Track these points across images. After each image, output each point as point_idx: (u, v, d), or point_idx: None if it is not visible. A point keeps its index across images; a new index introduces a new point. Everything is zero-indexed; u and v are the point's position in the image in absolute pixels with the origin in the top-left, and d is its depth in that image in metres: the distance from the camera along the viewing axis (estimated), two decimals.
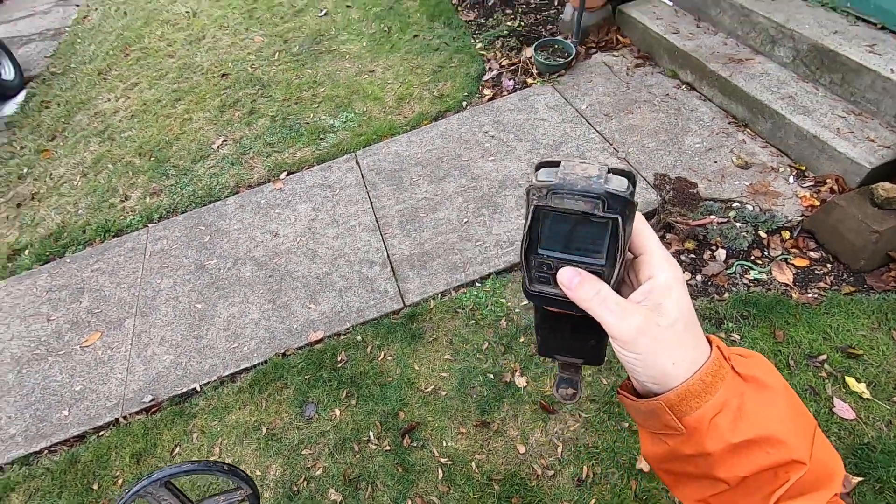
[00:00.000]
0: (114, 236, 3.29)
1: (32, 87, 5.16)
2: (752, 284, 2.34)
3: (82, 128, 4.35)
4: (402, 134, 3.47)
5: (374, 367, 2.34)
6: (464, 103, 3.59)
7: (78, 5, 6.78)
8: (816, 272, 2.34)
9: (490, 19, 4.27)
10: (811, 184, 2.61)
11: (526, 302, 2.26)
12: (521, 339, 2.32)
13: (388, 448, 2.09)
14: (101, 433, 2.35)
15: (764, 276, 2.36)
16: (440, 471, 1.99)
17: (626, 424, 2.00)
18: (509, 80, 3.66)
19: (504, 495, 1.90)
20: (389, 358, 2.37)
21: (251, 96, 4.13)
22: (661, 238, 2.57)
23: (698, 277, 2.42)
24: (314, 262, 2.83)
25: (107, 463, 2.23)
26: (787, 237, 2.47)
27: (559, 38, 3.75)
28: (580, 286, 0.40)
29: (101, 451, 2.26)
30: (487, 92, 3.64)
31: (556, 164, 0.42)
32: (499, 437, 2.05)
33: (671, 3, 3.61)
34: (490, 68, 3.81)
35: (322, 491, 2.01)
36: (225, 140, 3.78)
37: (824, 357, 2.03)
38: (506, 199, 2.89)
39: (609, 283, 0.41)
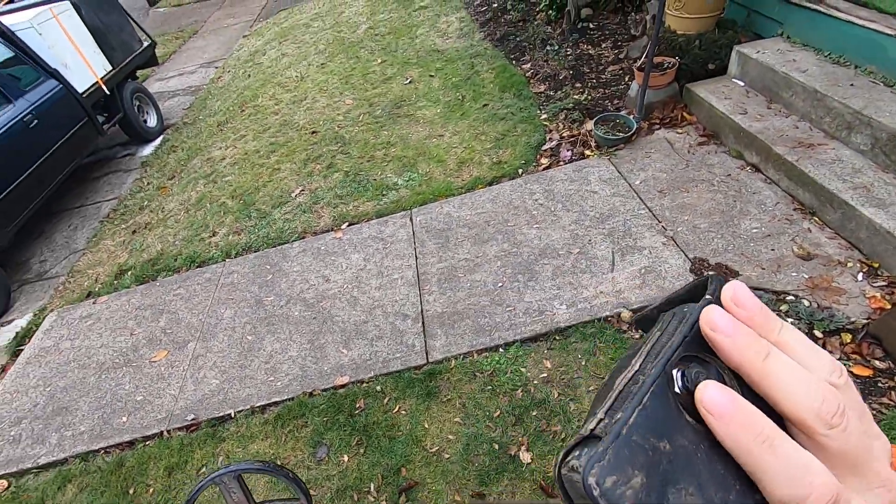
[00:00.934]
0: (197, 266, 3.76)
1: (167, 134, 6.15)
2: None
3: (195, 170, 5.08)
4: (457, 196, 3.65)
5: (388, 418, 2.42)
6: (520, 170, 3.72)
7: (217, 67, 8.04)
8: (880, 385, 2.07)
9: (559, 92, 4.43)
10: (883, 283, 2.35)
11: None
12: (534, 413, 2.28)
13: (384, 503, 2.12)
14: (147, 442, 2.63)
15: None
16: None
17: None
18: (567, 150, 3.75)
19: None
20: (403, 412, 2.43)
21: (332, 152, 4.59)
22: None
23: None
24: (354, 309, 3.02)
25: (145, 471, 2.49)
26: (848, 340, 2.22)
27: (622, 113, 3.79)
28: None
29: (142, 459, 2.53)
30: (544, 161, 3.74)
31: None
32: None
33: (742, 84, 3.52)
34: (550, 138, 3.93)
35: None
36: (303, 190, 4.22)
37: None
38: (543, 268, 2.91)
39: None
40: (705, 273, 0.30)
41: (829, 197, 2.62)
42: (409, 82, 5.36)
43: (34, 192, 4.38)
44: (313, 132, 5.00)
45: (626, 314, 2.55)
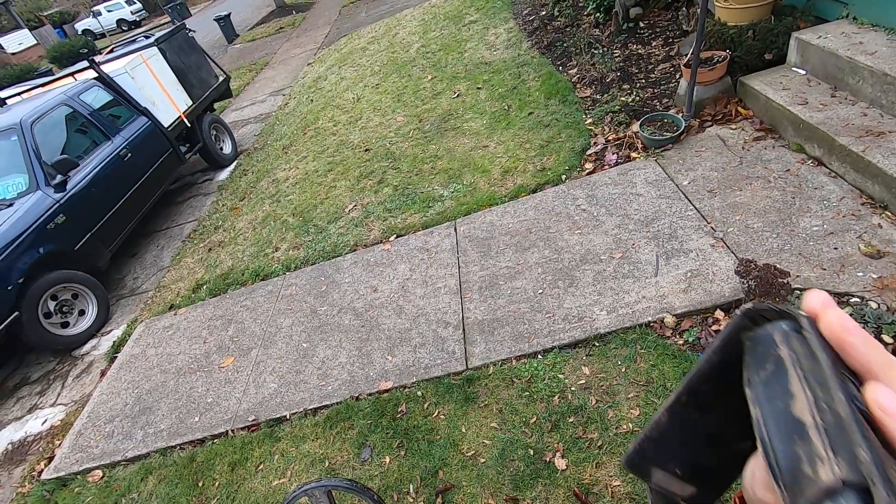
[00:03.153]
0: (261, 279, 4.07)
1: (240, 159, 6.71)
2: None
3: (262, 191, 5.50)
4: (500, 205, 3.69)
5: (427, 422, 2.49)
6: (563, 177, 3.70)
7: (284, 94, 8.66)
8: None
9: (605, 95, 4.35)
10: None
11: None
12: (571, 419, 2.26)
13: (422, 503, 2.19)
14: (214, 440, 2.89)
15: None
16: None
17: None
18: (612, 154, 3.67)
19: None
20: (442, 416, 2.50)
21: (383, 168, 4.80)
22: None
23: None
24: (400, 317, 3.14)
25: (212, 466, 2.73)
26: None
27: (670, 112, 3.67)
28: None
29: (210, 456, 2.79)
30: (588, 166, 3.70)
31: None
32: None
33: (803, 72, 3.29)
34: (595, 143, 3.87)
35: None
36: (355, 205, 4.45)
37: None
38: (583, 274, 2.87)
39: None
40: (737, 311, 0.30)
41: None
42: (457, 96, 5.49)
43: (129, 216, 4.97)
44: (366, 150, 5.25)
45: (669, 319, 2.47)
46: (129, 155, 5.08)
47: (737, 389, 0.29)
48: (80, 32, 25.03)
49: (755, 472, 0.31)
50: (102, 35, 25.19)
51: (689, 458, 0.33)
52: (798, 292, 2.27)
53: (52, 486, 3.01)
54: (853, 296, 2.25)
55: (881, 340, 2.07)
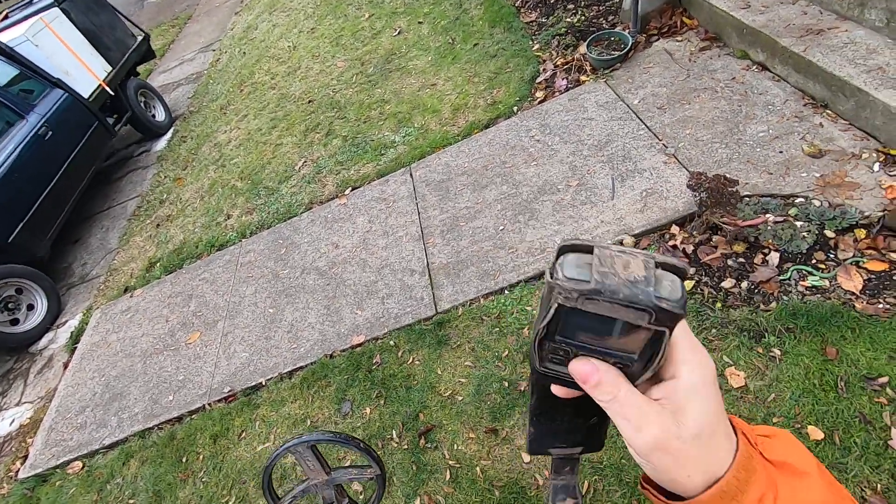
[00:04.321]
0: (217, 250, 3.92)
1: (177, 125, 6.27)
2: (808, 293, 2.05)
3: (205, 157, 5.20)
4: (454, 144, 3.59)
5: (403, 370, 2.52)
6: (514, 108, 3.60)
7: (214, 50, 8.02)
8: (895, 278, 1.97)
9: (551, 17, 4.19)
10: None
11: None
12: None
13: (406, 447, 2.25)
14: (192, 416, 2.87)
15: (825, 283, 2.05)
16: (448, 472, 2.10)
17: None
18: (562, 79, 3.58)
19: (503, 502, 1.94)
20: (417, 362, 2.52)
21: (329, 119, 4.57)
22: (707, 241, 2.37)
23: (744, 284, 2.18)
24: (364, 271, 3.10)
25: (194, 441, 2.72)
26: (863, 236, 2.11)
27: (617, 29, 3.57)
28: (597, 386, 0.37)
29: (190, 431, 2.77)
30: (539, 94, 3.60)
31: (587, 249, 0.34)
32: (506, 444, 2.09)
33: None
34: (544, 70, 3.76)
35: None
36: (305, 161, 4.26)
37: (885, 380, 1.72)
38: (542, 206, 2.87)
39: (634, 382, 0.37)
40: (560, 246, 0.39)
41: (841, 85, 2.42)
42: (398, 33, 5.20)
43: (62, 201, 4.62)
44: (309, 101, 4.98)
45: (628, 240, 2.50)
46: (50, 133, 4.66)
47: (560, 403, 0.42)
48: None
49: (624, 435, 0.39)
50: None
51: (565, 439, 0.45)
52: (747, 199, 2.33)
53: (31, 483, 2.95)
54: (798, 196, 2.32)
55: (824, 236, 2.16)
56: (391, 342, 2.65)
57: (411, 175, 3.56)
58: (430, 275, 2.87)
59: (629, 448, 0.39)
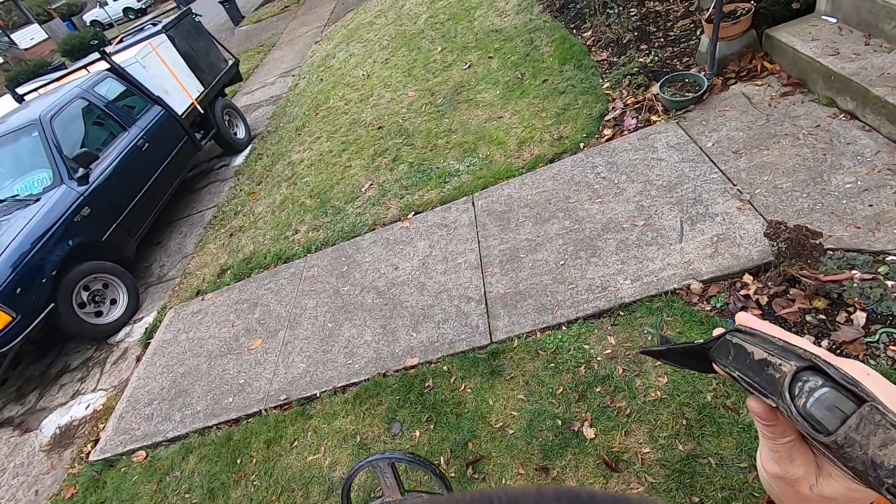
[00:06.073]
0: (283, 262, 4.12)
1: (255, 143, 6.72)
2: None
3: (278, 174, 5.52)
4: (518, 176, 3.64)
5: (455, 396, 2.53)
6: (581, 144, 3.62)
7: (293, 75, 8.59)
8: None
9: (623, 57, 4.20)
10: None
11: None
12: (598, 389, 2.26)
13: (453, 475, 2.24)
14: (249, 420, 2.99)
15: None
16: None
17: (697, 500, 1.81)
18: (632, 118, 3.57)
19: None
20: (469, 390, 2.53)
21: (398, 145, 4.76)
22: (783, 294, 2.25)
23: (824, 343, 2.05)
24: (422, 294, 3.16)
25: (249, 444, 2.83)
26: None
27: (692, 71, 3.53)
28: (771, 429, 0.38)
29: (246, 434, 2.88)
30: (607, 132, 3.60)
31: (855, 397, 0.31)
32: (556, 484, 2.04)
33: (835, 20, 3.12)
34: (613, 108, 3.76)
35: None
36: (372, 184, 4.44)
37: None
38: (605, 243, 2.83)
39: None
40: (725, 332, 0.43)
41: None
42: (469, 67, 5.37)
43: (151, 205, 5.05)
44: (379, 127, 5.21)
45: (695, 286, 2.43)
46: (147, 144, 5.13)
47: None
48: (88, 24, 25.06)
49: (761, 454, 0.42)
50: (110, 25, 25.20)
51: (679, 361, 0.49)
52: (831, 253, 2.21)
53: (99, 466, 3.16)
54: (889, 254, 2.17)
55: None
56: (444, 367, 2.67)
57: (473, 204, 3.62)
58: (486, 304, 2.88)
59: (761, 465, 0.42)
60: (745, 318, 0.42)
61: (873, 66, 2.73)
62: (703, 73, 3.43)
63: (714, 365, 0.43)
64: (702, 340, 0.44)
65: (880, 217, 2.30)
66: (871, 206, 2.36)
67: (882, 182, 2.42)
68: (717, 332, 0.43)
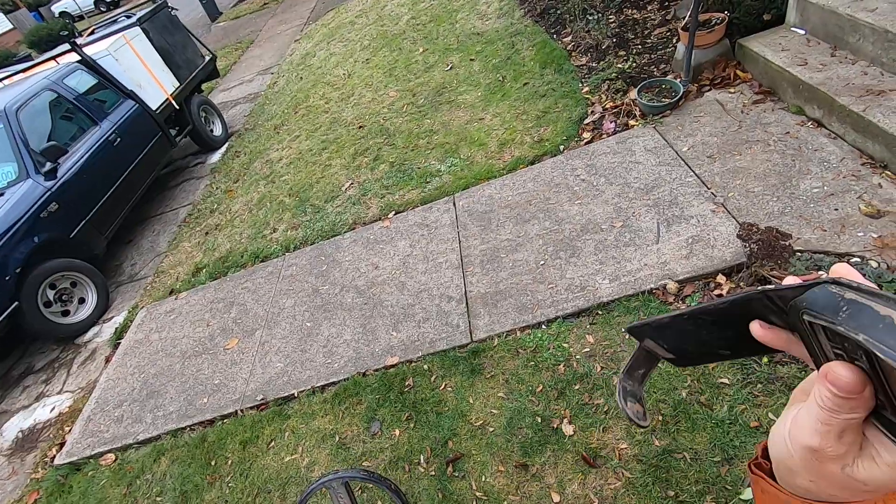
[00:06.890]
0: (261, 261, 4.06)
1: (232, 141, 6.60)
2: None
3: (256, 173, 5.43)
4: (498, 178, 3.67)
5: (435, 395, 2.53)
6: (561, 147, 3.67)
7: (272, 73, 8.47)
8: None
9: (602, 62, 4.28)
10: None
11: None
12: (577, 387, 2.29)
13: (433, 473, 2.24)
14: (224, 420, 2.93)
15: None
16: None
17: (673, 493, 1.85)
18: (610, 122, 3.64)
19: None
20: (449, 389, 2.53)
21: (378, 145, 4.74)
22: None
23: None
24: (402, 293, 3.15)
25: (224, 445, 2.77)
26: None
27: (668, 77, 3.62)
28: (846, 402, 0.32)
29: (221, 435, 2.82)
30: (586, 135, 3.66)
31: None
32: (535, 481, 2.06)
33: (803, 32, 3.24)
34: (593, 112, 3.83)
35: (371, 501, 2.24)
36: (352, 183, 4.41)
37: None
38: (585, 244, 2.88)
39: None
40: (757, 288, 0.36)
41: None
42: (450, 68, 5.40)
43: (122, 202, 4.90)
44: (360, 127, 5.18)
45: (671, 286, 2.48)
46: (119, 140, 4.99)
47: (728, 325, 0.40)
48: (56, 15, 24.23)
49: (798, 419, 0.36)
50: (80, 17, 24.41)
51: (676, 344, 0.45)
52: (799, 254, 2.29)
53: (65, 470, 3.05)
54: (853, 255, 2.26)
55: None
56: (425, 366, 2.67)
57: (454, 204, 3.64)
58: (467, 303, 2.89)
59: (791, 432, 0.37)
60: (845, 270, 0.34)
61: (839, 76, 2.84)
62: (678, 79, 3.52)
63: (764, 331, 0.36)
64: (761, 288, 0.36)
65: (845, 220, 2.40)
66: (836, 209, 2.46)
67: (847, 187, 2.52)
68: (792, 280, 0.35)
